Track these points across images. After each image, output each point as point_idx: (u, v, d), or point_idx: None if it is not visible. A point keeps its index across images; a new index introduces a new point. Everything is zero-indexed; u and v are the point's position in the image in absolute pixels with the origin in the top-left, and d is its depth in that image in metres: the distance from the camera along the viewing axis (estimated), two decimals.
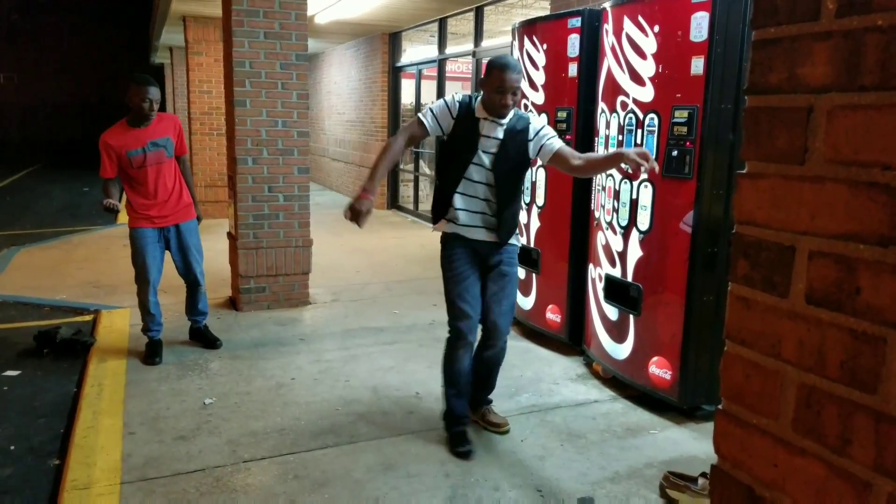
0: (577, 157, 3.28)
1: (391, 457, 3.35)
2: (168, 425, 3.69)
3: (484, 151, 3.29)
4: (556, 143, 3.28)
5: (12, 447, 3.56)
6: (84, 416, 3.79)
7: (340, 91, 13.63)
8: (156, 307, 4.71)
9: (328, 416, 3.79)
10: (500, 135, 3.28)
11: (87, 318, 5.64)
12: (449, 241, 3.43)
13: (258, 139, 5.60)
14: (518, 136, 3.28)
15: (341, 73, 13.57)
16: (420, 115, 3.36)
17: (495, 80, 3.17)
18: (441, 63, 9.88)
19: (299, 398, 4.04)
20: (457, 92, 3.59)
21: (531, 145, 3.29)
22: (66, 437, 3.64)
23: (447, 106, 3.32)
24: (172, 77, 16.11)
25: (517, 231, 3.50)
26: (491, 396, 3.76)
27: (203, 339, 4.90)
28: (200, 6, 9.12)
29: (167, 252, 4.75)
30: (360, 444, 3.49)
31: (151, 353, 4.66)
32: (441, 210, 3.42)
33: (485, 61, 8.81)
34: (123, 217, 10.56)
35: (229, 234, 6.03)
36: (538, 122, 3.37)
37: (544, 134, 3.30)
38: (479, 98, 3.30)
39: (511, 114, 3.30)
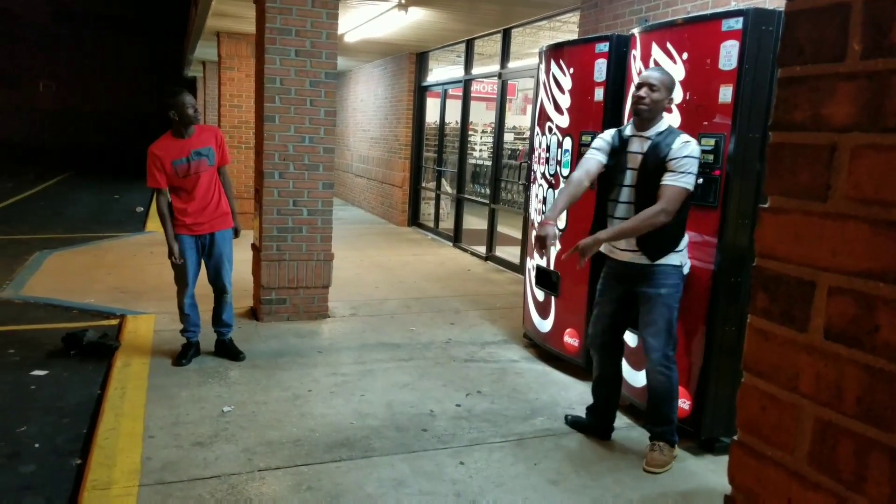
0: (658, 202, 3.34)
1: (404, 473, 3.35)
2: (187, 431, 3.73)
3: (629, 168, 3.48)
4: (668, 180, 3.32)
5: (37, 445, 3.62)
6: (106, 419, 3.86)
7: (366, 108, 13.78)
8: (191, 308, 4.83)
9: (343, 430, 3.81)
10: (644, 148, 3.44)
11: (114, 322, 5.72)
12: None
13: (285, 154, 5.68)
14: (658, 153, 3.37)
15: (367, 91, 13.72)
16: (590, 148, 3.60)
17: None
18: (467, 83, 9.96)
19: (315, 410, 4.06)
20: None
21: (667, 165, 3.34)
22: (88, 438, 3.70)
23: (605, 138, 3.64)
24: (204, 90, 16.39)
25: (674, 249, 3.48)
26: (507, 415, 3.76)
27: (227, 352, 4.94)
28: (235, 23, 9.30)
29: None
30: (374, 458, 3.50)
31: (181, 354, 4.80)
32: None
33: (514, 82, 8.90)
34: (151, 225, 10.88)
35: (253, 246, 6.10)
36: (682, 147, 3.34)
37: (675, 164, 3.32)
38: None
39: (659, 128, 3.42)
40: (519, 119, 13.28)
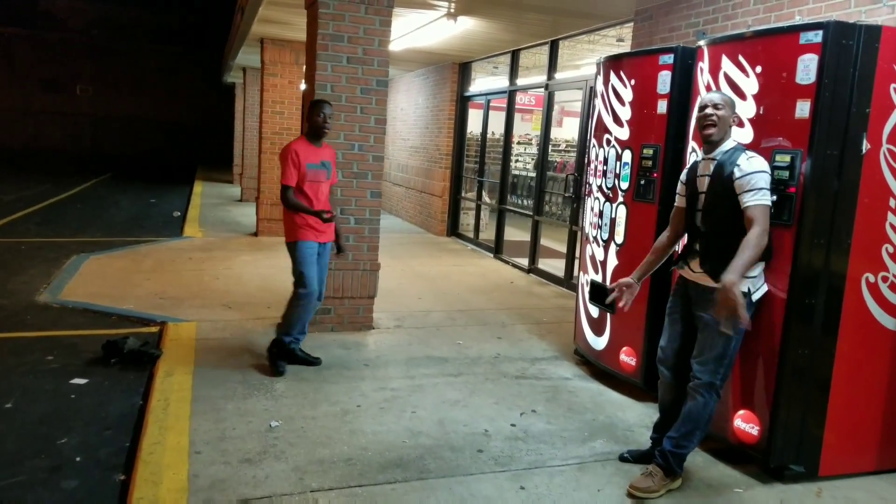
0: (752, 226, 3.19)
1: (462, 498, 3.22)
2: (234, 446, 3.64)
3: (700, 192, 3.43)
4: (750, 200, 3.19)
5: (78, 458, 3.55)
6: (150, 432, 3.77)
7: (406, 117, 13.73)
8: (310, 318, 4.96)
9: (395, 448, 3.69)
10: (711, 170, 3.37)
11: (154, 329, 5.68)
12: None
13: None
14: (723, 171, 3.29)
15: (408, 100, 13.67)
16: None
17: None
18: (511, 94, 9.85)
19: (365, 427, 3.95)
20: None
21: (736, 185, 3.24)
22: (132, 452, 3.62)
23: (681, 178, 3.65)
24: (244, 97, 16.47)
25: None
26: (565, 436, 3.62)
27: (298, 359, 4.94)
28: (280, 29, 9.30)
29: None
30: (430, 481, 3.37)
31: (280, 363, 4.82)
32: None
33: (557, 93, 8.77)
34: (189, 230, 10.93)
35: None
36: (749, 163, 3.24)
37: (748, 183, 3.20)
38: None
39: (724, 148, 3.33)
40: (555, 131, 13.15)
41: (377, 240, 5.80)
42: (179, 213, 13.39)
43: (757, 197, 3.16)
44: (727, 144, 3.35)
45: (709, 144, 3.37)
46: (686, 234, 3.58)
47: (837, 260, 3.42)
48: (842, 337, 3.48)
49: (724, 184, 3.26)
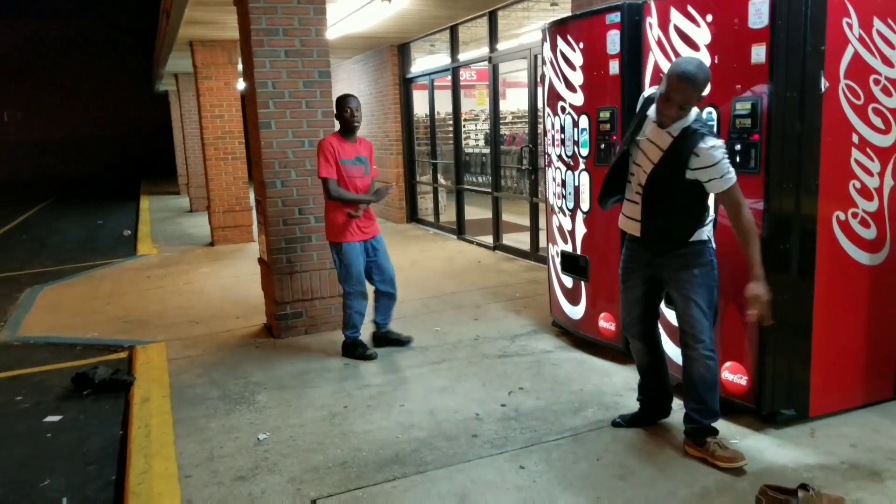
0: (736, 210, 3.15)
1: (464, 486, 3.17)
2: (225, 465, 3.52)
3: (645, 155, 3.31)
4: (722, 186, 3.12)
5: (65, 499, 3.40)
6: (136, 461, 3.63)
7: None
8: (364, 313, 5.02)
9: (389, 445, 3.62)
10: (665, 146, 3.21)
11: (123, 355, 5.49)
12: None
13: (286, 161, 5.45)
14: (680, 156, 3.15)
15: (350, 88, 13.44)
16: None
17: (668, 83, 3.09)
18: (455, 71, 9.73)
19: (356, 427, 3.87)
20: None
21: (691, 172, 3.14)
22: (119, 485, 3.48)
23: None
24: (179, 104, 16.01)
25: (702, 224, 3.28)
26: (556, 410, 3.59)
27: (395, 341, 5.16)
28: (209, 30, 9.01)
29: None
30: (429, 473, 3.31)
31: (361, 350, 4.98)
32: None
33: (502, 65, 8.69)
34: (143, 248, 10.62)
35: (261, 261, 5.88)
36: (711, 153, 3.07)
37: (715, 171, 3.09)
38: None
39: (683, 123, 3.15)
40: (501, 104, 13.08)
41: None
42: (130, 232, 13.01)
43: (725, 178, 3.08)
44: (684, 121, 3.15)
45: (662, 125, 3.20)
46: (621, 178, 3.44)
47: (807, 202, 3.42)
48: (819, 278, 3.50)
49: (676, 167, 3.14)
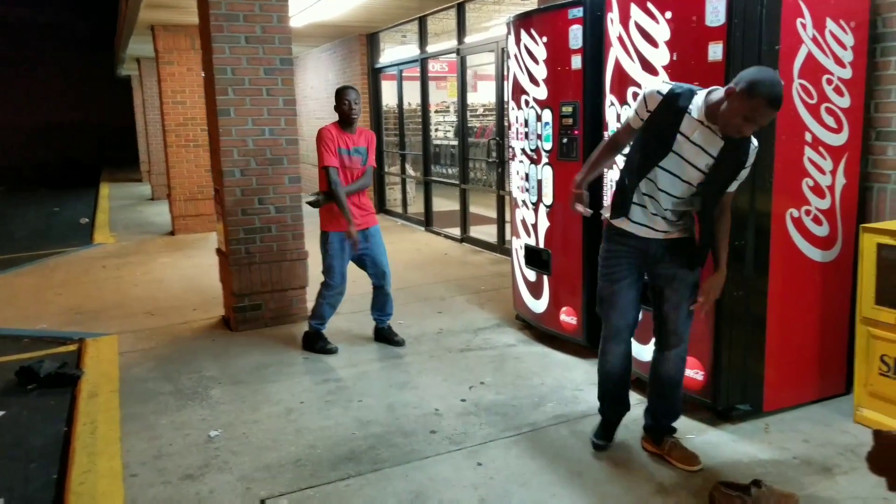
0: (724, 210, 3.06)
1: (421, 483, 3.11)
2: (173, 463, 3.42)
3: (689, 163, 2.92)
4: (733, 187, 3.02)
5: (1, 500, 3.25)
6: (79, 459, 3.51)
7: (318, 95, 13.34)
8: (335, 308, 4.95)
9: (345, 442, 3.55)
10: (716, 151, 2.88)
11: (72, 348, 5.31)
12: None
13: (245, 149, 5.32)
14: (738, 160, 2.93)
15: (318, 77, 13.28)
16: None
17: (754, 107, 2.68)
18: (423, 62, 9.64)
19: (312, 423, 3.79)
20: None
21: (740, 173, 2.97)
22: (61, 484, 3.34)
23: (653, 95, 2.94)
24: (142, 89, 15.66)
25: None
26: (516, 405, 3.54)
27: (387, 339, 5.03)
28: (170, 14, 8.80)
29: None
30: (385, 470, 3.25)
31: (322, 344, 4.88)
32: None
33: (470, 58, 8.62)
34: (100, 236, 10.37)
35: (219, 251, 5.75)
36: (753, 153, 2.96)
37: (744, 174, 2.99)
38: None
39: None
40: (471, 96, 13.02)
41: (302, 226, 5.58)
42: (87, 220, 12.70)
43: (737, 184, 3.03)
44: None
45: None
46: (631, 182, 3.06)
47: (762, 199, 3.43)
48: (773, 274, 3.52)
49: (732, 170, 2.93)
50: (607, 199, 3.23)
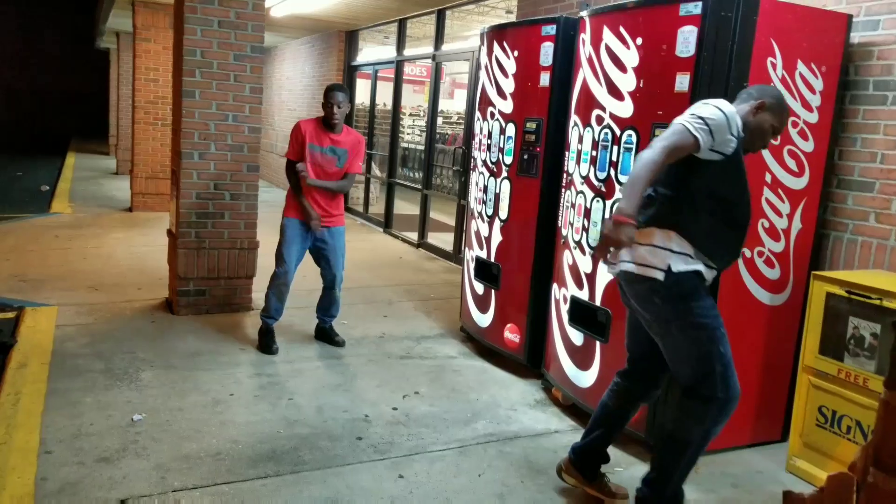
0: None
1: (338, 490, 3.05)
2: (90, 444, 3.32)
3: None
4: None
5: None
6: None
7: (293, 87, 13.23)
8: (280, 292, 4.74)
9: (269, 440, 3.48)
10: None
11: (10, 315, 5.16)
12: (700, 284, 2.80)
13: (206, 133, 5.23)
14: None
15: (294, 69, 13.17)
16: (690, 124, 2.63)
17: (783, 119, 2.85)
18: (399, 64, 9.61)
19: (238, 417, 3.71)
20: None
21: None
22: None
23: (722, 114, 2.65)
24: (118, 63, 15.40)
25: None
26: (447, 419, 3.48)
27: (327, 337, 4.95)
28: None
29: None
30: (304, 473, 3.18)
31: (267, 343, 4.72)
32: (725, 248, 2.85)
33: (445, 65, 8.62)
34: (57, 205, 10.14)
35: (169, 232, 5.64)
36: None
37: None
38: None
39: None
40: (447, 103, 13.01)
41: (255, 216, 5.49)
42: (48, 188, 12.41)
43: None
44: None
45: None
46: (744, 219, 2.86)
47: None
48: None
49: None
50: (679, 246, 2.75)
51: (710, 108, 2.66)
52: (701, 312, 2.75)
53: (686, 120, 2.65)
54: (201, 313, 5.37)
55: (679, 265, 2.72)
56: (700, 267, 2.76)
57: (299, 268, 4.83)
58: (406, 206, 10.19)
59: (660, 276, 2.72)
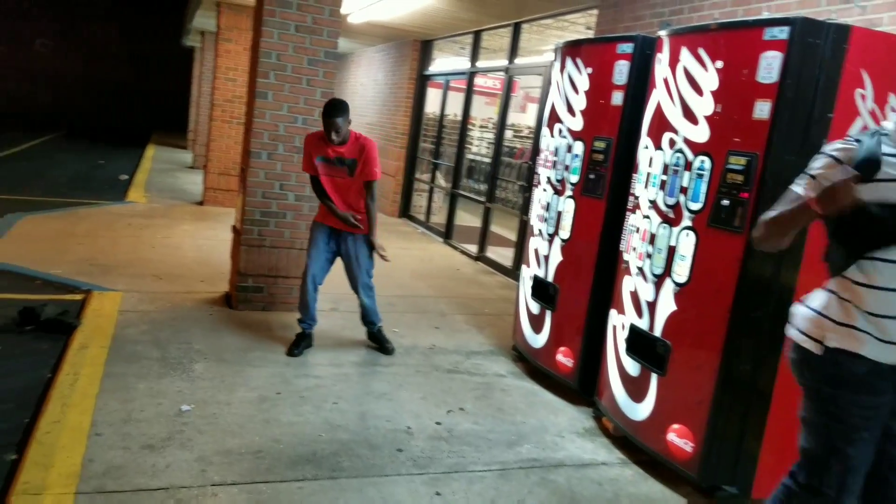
0: None
1: (373, 501, 3.01)
2: (138, 430, 3.37)
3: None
4: None
5: None
6: (52, 408, 3.49)
7: (365, 93, 13.39)
8: (312, 301, 4.75)
9: (310, 442, 3.46)
10: None
11: (78, 297, 5.34)
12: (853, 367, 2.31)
13: (275, 134, 5.31)
14: None
15: (368, 76, 13.33)
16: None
17: None
18: (471, 76, 9.60)
19: (282, 416, 3.71)
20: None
21: None
22: (29, 429, 3.32)
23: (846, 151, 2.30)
24: (201, 61, 15.91)
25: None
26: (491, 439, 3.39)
27: (378, 343, 4.96)
28: None
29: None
30: (341, 480, 3.15)
31: (294, 343, 4.72)
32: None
33: (517, 79, 8.55)
34: (133, 195, 10.50)
35: (234, 228, 5.74)
36: None
37: None
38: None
39: None
40: (518, 116, 12.92)
41: None
42: (127, 177, 12.87)
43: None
44: None
45: None
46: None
47: (788, 272, 3.24)
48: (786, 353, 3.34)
49: None
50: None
51: None
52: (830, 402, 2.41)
53: None
54: (257, 309, 5.44)
55: None
56: None
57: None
58: (468, 218, 10.16)
59: None
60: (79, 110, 31.33)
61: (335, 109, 4.45)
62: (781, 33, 3.12)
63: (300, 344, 4.70)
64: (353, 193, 4.65)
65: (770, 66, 3.14)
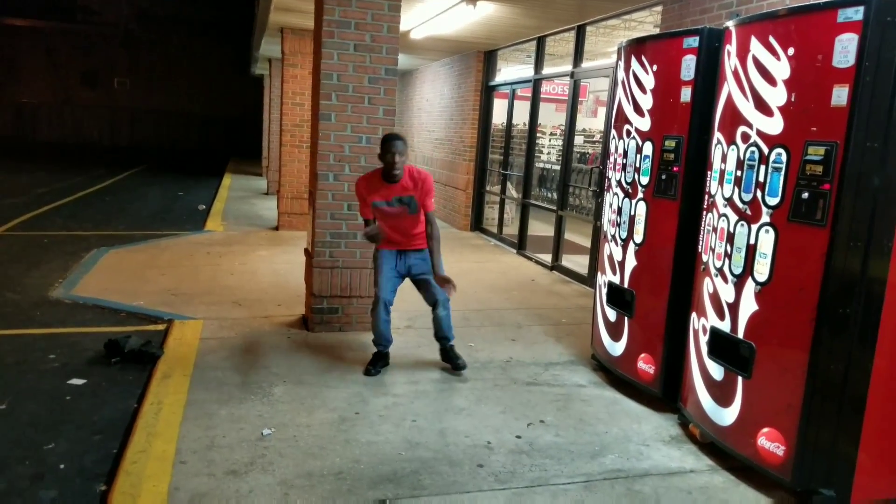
0: None
1: None
2: (221, 456, 3.44)
3: None
4: None
5: (62, 465, 3.38)
6: (138, 438, 3.60)
7: (431, 108, 13.46)
8: (384, 322, 4.69)
9: (390, 461, 3.45)
10: None
11: (160, 327, 5.53)
12: None
13: (341, 155, 5.37)
14: None
15: (433, 91, 13.40)
16: None
17: None
18: (536, 83, 9.51)
19: (361, 436, 3.72)
20: None
21: None
22: (117, 459, 3.43)
23: None
24: (269, 88, 16.38)
25: None
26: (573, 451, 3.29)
27: (448, 361, 4.85)
28: (297, 18, 9.11)
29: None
30: (423, 498, 3.12)
31: (371, 362, 4.74)
32: None
33: (585, 83, 8.41)
34: (211, 224, 10.84)
35: (306, 251, 5.83)
36: None
37: None
38: None
39: None
40: (589, 121, 12.73)
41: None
42: (205, 207, 13.34)
43: None
44: None
45: None
46: None
47: (877, 265, 3.06)
48: (880, 350, 3.13)
49: None
50: None
51: None
52: None
53: None
54: (333, 330, 5.49)
55: None
56: None
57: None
58: (541, 227, 10.05)
59: None
60: (158, 143, 32.89)
61: (395, 135, 4.49)
62: (856, 14, 2.95)
63: (377, 363, 4.71)
64: (409, 223, 4.63)
65: (846, 50, 2.97)
